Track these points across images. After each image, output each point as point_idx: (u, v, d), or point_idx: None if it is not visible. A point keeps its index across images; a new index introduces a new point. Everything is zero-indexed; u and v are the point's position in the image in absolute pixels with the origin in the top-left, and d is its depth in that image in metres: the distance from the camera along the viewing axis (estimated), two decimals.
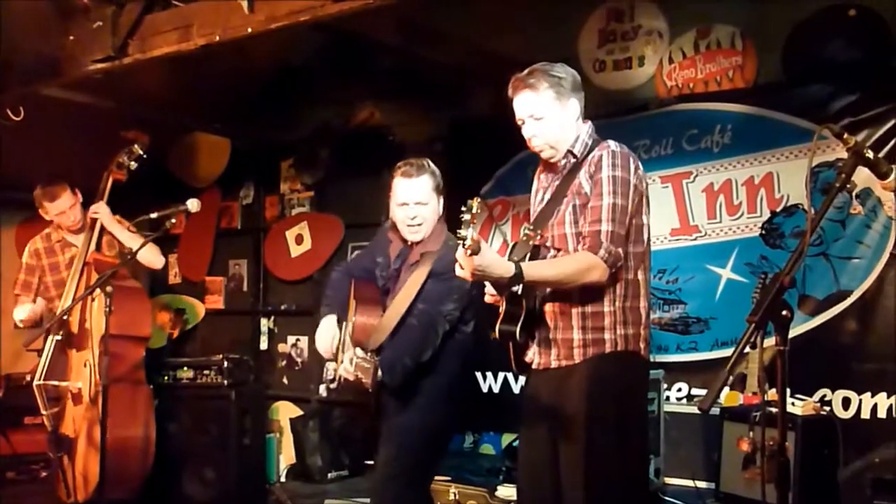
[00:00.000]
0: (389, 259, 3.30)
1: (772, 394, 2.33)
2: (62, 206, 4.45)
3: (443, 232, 3.25)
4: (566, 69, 2.77)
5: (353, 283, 3.31)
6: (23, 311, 4.39)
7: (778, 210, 4.13)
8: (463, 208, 2.26)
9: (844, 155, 3.65)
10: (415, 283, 3.13)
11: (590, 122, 2.83)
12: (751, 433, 3.37)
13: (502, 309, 2.68)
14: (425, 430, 3.18)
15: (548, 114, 2.71)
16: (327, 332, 3.22)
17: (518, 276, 2.47)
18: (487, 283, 2.75)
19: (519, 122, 2.78)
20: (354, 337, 3.11)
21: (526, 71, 2.76)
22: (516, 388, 4.68)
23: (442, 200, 3.26)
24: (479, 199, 2.30)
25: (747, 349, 1.79)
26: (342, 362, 3.10)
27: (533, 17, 4.41)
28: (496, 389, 4.83)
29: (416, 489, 3.23)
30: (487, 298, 2.80)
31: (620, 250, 2.60)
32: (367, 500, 4.42)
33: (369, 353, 2.94)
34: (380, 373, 2.97)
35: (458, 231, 2.29)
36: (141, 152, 4.48)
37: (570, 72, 2.78)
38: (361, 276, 3.33)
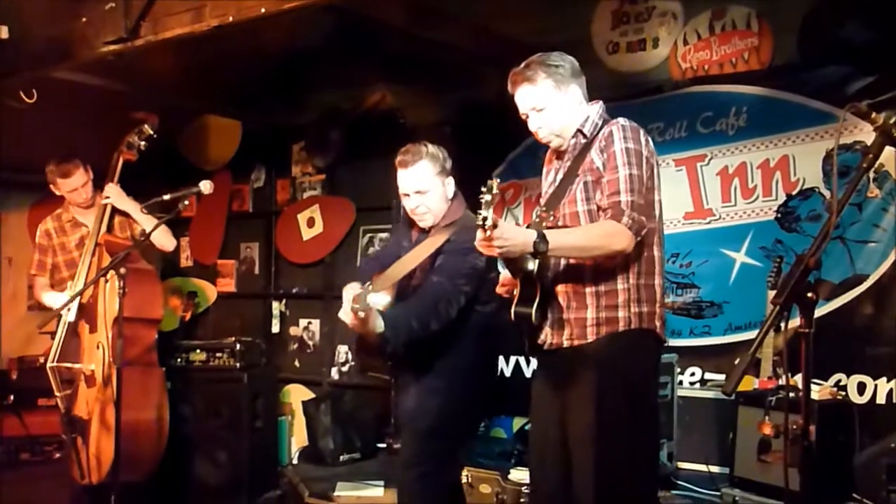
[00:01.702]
0: (412, 242, 3.25)
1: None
2: (75, 184, 4.43)
3: (459, 209, 3.18)
4: (563, 56, 2.74)
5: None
6: (54, 301, 4.34)
7: (793, 193, 4.09)
8: (483, 188, 2.25)
9: (862, 137, 3.72)
10: (428, 246, 3.06)
11: (600, 103, 2.80)
12: (766, 417, 3.35)
13: (517, 291, 2.66)
14: (441, 414, 3.09)
15: (549, 103, 2.69)
16: (351, 287, 3.06)
17: (542, 242, 2.43)
18: (502, 271, 2.73)
19: (523, 117, 2.76)
20: None
21: (523, 64, 2.73)
22: (528, 372, 4.66)
23: (450, 181, 3.18)
24: (497, 180, 2.29)
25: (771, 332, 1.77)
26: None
27: None
28: (508, 373, 4.82)
29: (435, 476, 3.11)
30: (499, 289, 2.78)
31: (644, 218, 2.57)
32: (380, 483, 4.47)
33: (365, 285, 2.77)
34: (379, 321, 2.80)
35: (477, 212, 2.28)
36: (151, 132, 4.46)
37: (568, 58, 2.75)
38: (390, 263, 3.21)
